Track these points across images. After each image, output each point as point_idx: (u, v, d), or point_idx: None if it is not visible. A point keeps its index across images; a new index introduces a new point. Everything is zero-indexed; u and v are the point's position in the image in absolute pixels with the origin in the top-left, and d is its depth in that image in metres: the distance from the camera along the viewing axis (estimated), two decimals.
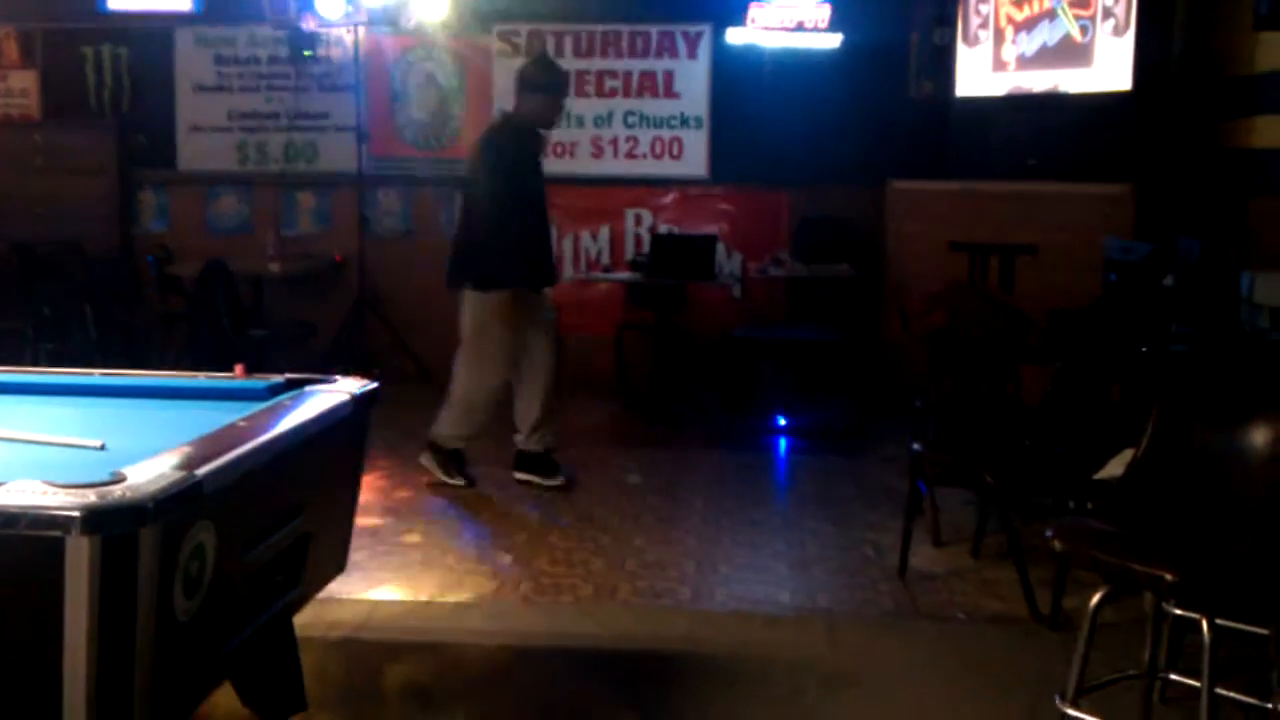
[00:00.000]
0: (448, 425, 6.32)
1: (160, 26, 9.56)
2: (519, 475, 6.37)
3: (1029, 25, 8.34)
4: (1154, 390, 3.74)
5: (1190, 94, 7.94)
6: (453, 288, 6.21)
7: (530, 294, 6.21)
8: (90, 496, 2.31)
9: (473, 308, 6.15)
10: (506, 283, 6.06)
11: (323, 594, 3.61)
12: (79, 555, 2.26)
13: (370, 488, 6.03)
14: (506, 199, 6.03)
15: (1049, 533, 3.44)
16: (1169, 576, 3.08)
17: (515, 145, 6.16)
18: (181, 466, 2.55)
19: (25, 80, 9.84)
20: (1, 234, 9.29)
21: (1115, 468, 4.00)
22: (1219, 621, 3.18)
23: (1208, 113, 7.75)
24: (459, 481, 6.29)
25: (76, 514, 2.25)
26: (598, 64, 9.33)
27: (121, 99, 9.76)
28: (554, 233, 7.36)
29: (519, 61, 9.22)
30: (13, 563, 2.31)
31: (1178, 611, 3.56)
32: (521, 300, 6.13)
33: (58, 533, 2.26)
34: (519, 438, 6.38)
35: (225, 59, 9.60)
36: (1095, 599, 3.32)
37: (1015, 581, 4.71)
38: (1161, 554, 3.21)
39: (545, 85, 6.21)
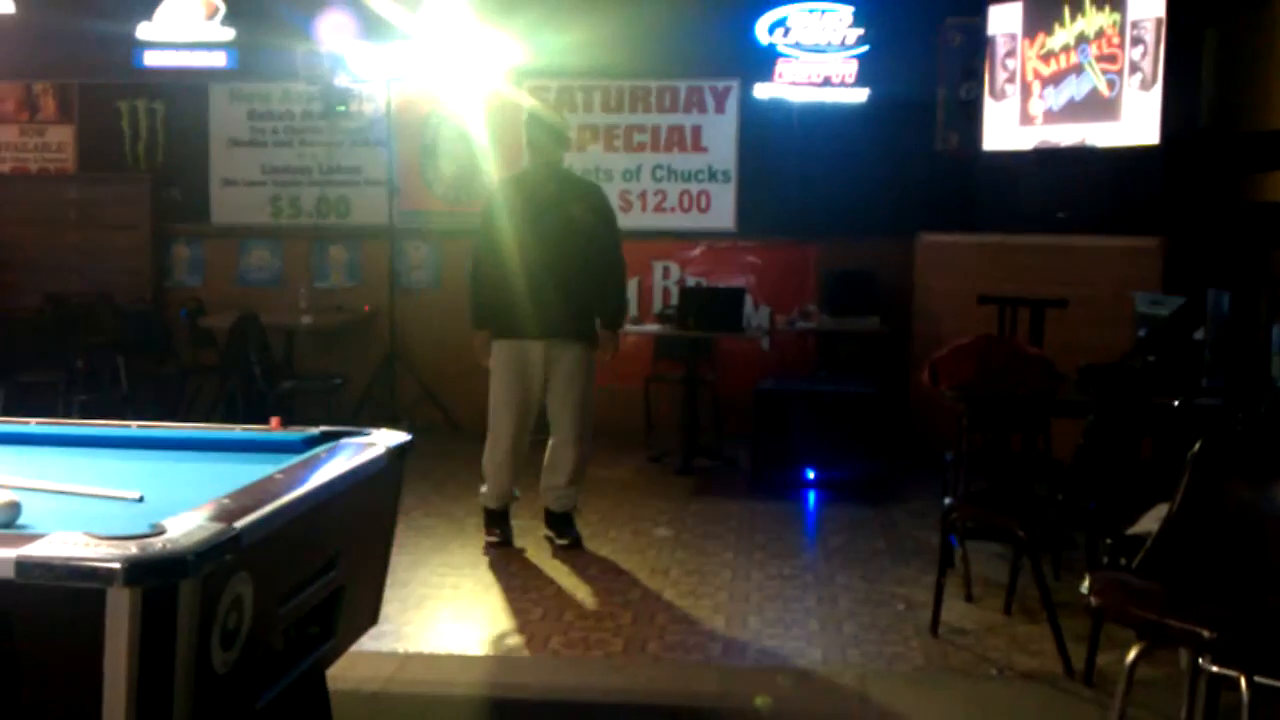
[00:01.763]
0: (486, 484, 6.29)
1: (195, 82, 9.70)
2: (546, 532, 6.37)
3: (1056, 80, 8.38)
4: (1186, 445, 3.72)
5: (1218, 148, 7.95)
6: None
7: (519, 343, 6.10)
8: (131, 549, 2.33)
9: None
10: (492, 329, 6.18)
11: (354, 647, 3.61)
12: (120, 607, 2.28)
13: (400, 539, 6.03)
14: (489, 247, 6.16)
15: (1086, 587, 3.42)
16: (1207, 633, 3.06)
17: (509, 194, 6.25)
18: (219, 519, 2.57)
19: (62, 134, 9.99)
20: (36, 286, 9.41)
21: (1148, 523, 3.98)
22: (1258, 679, 3.15)
23: (1237, 166, 7.75)
24: (493, 538, 6.24)
25: (118, 566, 2.27)
26: (626, 119, 9.42)
27: (156, 153, 9.89)
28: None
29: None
30: (54, 613, 2.32)
31: (1215, 668, 3.53)
32: (510, 348, 6.12)
33: (99, 584, 2.27)
34: (545, 492, 6.33)
35: (259, 114, 9.73)
36: (1132, 655, 3.29)
37: (1048, 637, 4.68)
38: (1199, 610, 3.19)
39: (541, 145, 6.26)
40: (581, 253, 6.15)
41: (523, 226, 6.12)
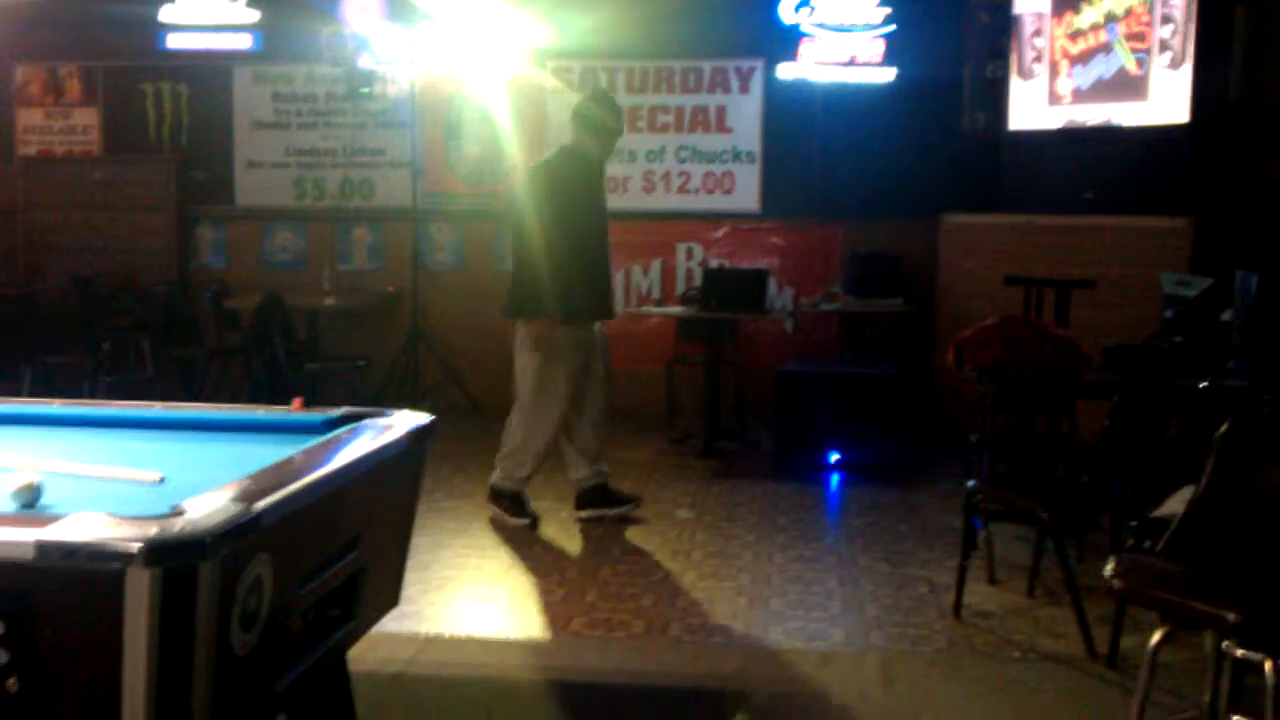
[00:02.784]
0: (508, 467, 6.28)
1: (219, 64, 9.72)
2: (583, 513, 6.36)
3: (1084, 58, 8.31)
4: (1213, 427, 3.69)
5: (1248, 127, 7.86)
6: (508, 316, 6.26)
7: (586, 326, 6.22)
8: (152, 529, 2.33)
9: (527, 339, 6.14)
10: (561, 314, 6.06)
11: (375, 629, 3.62)
12: (139, 587, 2.28)
13: (421, 521, 6.04)
14: (557, 228, 6.01)
15: (1109, 570, 3.40)
16: (1232, 616, 3.04)
17: (567, 175, 6.15)
18: (240, 500, 2.57)
19: (87, 117, 10.03)
20: (62, 268, 9.47)
21: (1174, 505, 3.95)
22: None
23: (1266, 145, 7.67)
24: (524, 520, 6.24)
25: (138, 547, 2.27)
26: (650, 99, 9.39)
27: (181, 135, 9.92)
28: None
29: (573, 98, 9.38)
30: (75, 595, 2.33)
31: (1240, 652, 3.49)
32: (578, 332, 6.14)
33: (119, 565, 2.27)
34: (580, 474, 6.36)
35: (283, 96, 9.75)
36: (1155, 638, 3.27)
37: (1072, 619, 4.66)
38: (1223, 593, 3.16)
39: (600, 120, 6.21)
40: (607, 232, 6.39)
41: (586, 209, 6.18)
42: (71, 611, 2.34)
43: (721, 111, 9.37)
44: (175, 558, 2.31)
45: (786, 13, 8.93)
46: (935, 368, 8.15)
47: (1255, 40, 8.03)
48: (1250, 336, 5.68)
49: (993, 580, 5.37)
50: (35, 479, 2.70)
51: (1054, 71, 8.48)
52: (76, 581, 2.31)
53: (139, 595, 2.28)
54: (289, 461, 3.04)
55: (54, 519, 2.40)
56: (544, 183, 6.14)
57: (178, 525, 2.37)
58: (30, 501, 2.66)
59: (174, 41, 9.50)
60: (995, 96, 8.88)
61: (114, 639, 2.29)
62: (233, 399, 8.27)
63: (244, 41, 9.52)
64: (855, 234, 9.14)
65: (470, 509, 6.55)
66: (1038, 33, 8.59)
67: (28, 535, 2.31)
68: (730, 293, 8.09)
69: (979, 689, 4.29)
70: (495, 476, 6.34)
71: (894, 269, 8.86)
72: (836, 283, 9.06)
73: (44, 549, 2.30)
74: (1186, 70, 7.65)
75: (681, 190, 9.44)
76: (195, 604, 2.36)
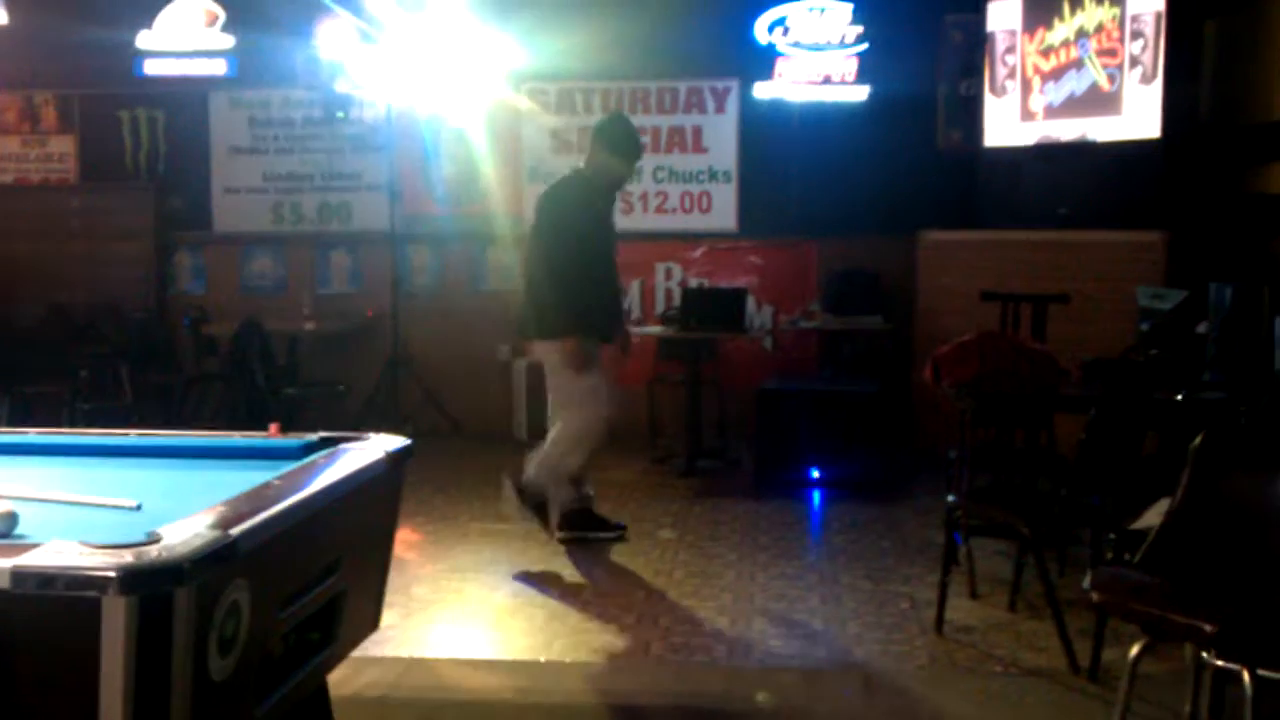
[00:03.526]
0: (554, 466, 6.15)
1: (195, 90, 9.70)
2: (562, 534, 6.24)
3: (1056, 75, 8.37)
4: (1190, 439, 3.71)
5: (1220, 140, 7.93)
6: (523, 336, 6.35)
7: (601, 344, 6.26)
8: (126, 557, 2.32)
9: (549, 357, 6.18)
10: (578, 331, 6.06)
11: (356, 652, 3.61)
12: (115, 615, 2.27)
13: (403, 544, 6.03)
14: (575, 250, 6.07)
15: (1087, 584, 3.41)
16: (1209, 627, 3.05)
17: (584, 198, 6.21)
18: (216, 526, 2.56)
19: (63, 144, 10.01)
20: (39, 296, 9.43)
21: (1152, 518, 3.97)
22: (1261, 672, 3.13)
23: (1238, 159, 7.73)
24: (613, 534, 6.36)
25: (113, 574, 2.26)
26: None
27: (157, 162, 9.90)
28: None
29: (548, 119, 9.42)
30: (50, 623, 2.32)
31: (1219, 663, 3.51)
32: (593, 349, 6.16)
33: (94, 593, 2.26)
34: (564, 495, 6.25)
35: (259, 121, 9.74)
36: (1135, 650, 3.28)
37: (1053, 633, 4.67)
38: (1201, 604, 3.17)
39: (620, 145, 6.24)
40: None
41: (599, 231, 6.27)
42: (47, 639, 2.33)
43: (698, 131, 9.40)
44: (151, 584, 2.30)
45: (761, 33, 8.99)
46: (914, 384, 8.16)
47: (1225, 55, 8.11)
48: (1225, 349, 5.72)
49: (974, 595, 5.38)
50: (9, 507, 2.69)
51: (1027, 88, 8.53)
52: (52, 609, 2.30)
53: (115, 622, 2.27)
54: (266, 487, 3.04)
55: (29, 546, 2.39)
56: (558, 205, 6.20)
57: (154, 552, 2.36)
58: (5, 530, 2.65)
59: (150, 68, 9.49)
60: (969, 113, 8.93)
61: (90, 666, 2.28)
62: (212, 425, 8.25)
63: (220, 67, 9.51)
64: (833, 252, 9.17)
65: (451, 532, 6.54)
66: (1010, 49, 8.65)
67: (2, 563, 2.30)
68: (709, 312, 8.11)
69: (961, 704, 4.30)
70: (558, 502, 6.21)
71: (872, 286, 8.90)
72: (815, 301, 9.09)
73: (19, 577, 2.29)
74: (1158, 85, 7.71)
75: (659, 210, 9.46)
76: (172, 631, 2.35)
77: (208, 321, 9.05)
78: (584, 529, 6.30)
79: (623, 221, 9.31)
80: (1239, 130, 7.77)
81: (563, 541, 6.27)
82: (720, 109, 9.36)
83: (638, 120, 9.29)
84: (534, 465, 6.16)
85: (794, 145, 9.12)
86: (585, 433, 6.15)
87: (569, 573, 5.90)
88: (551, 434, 6.23)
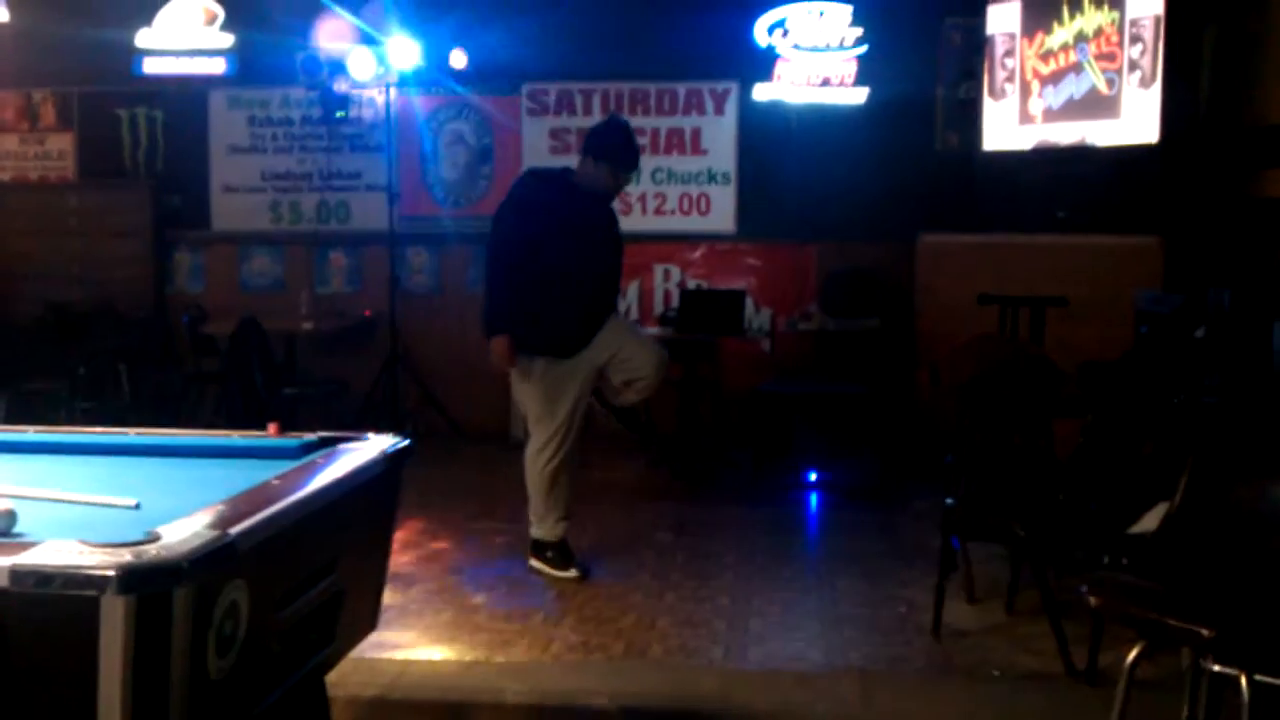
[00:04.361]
0: (537, 514, 5.86)
1: (194, 89, 9.70)
2: (532, 562, 5.90)
3: (1055, 78, 8.37)
4: (1187, 443, 3.71)
5: (1218, 144, 7.93)
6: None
7: (558, 359, 5.73)
8: (125, 556, 2.32)
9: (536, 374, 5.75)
10: (497, 334, 5.65)
11: (354, 652, 3.61)
12: (114, 614, 2.27)
13: (401, 544, 6.03)
14: (505, 248, 5.67)
15: (1084, 588, 3.41)
16: (1206, 632, 3.05)
17: (542, 199, 5.77)
18: (215, 526, 2.57)
19: (62, 142, 10.00)
20: (37, 294, 9.41)
21: (1149, 522, 3.97)
22: (1258, 677, 3.14)
23: (1236, 163, 7.74)
24: (571, 574, 5.76)
25: (112, 573, 2.26)
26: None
27: (156, 160, 9.89)
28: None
29: (547, 120, 9.42)
30: (48, 622, 2.32)
31: (1216, 667, 3.51)
32: (552, 364, 5.71)
33: (93, 592, 2.26)
34: (533, 519, 5.94)
35: (258, 120, 9.74)
36: (1132, 655, 3.29)
37: (1050, 637, 4.66)
38: (1198, 609, 3.18)
39: (609, 153, 5.81)
40: None
41: (558, 237, 5.75)
42: (46, 638, 2.34)
43: (697, 133, 9.40)
44: (149, 584, 2.30)
45: (761, 35, 8.99)
46: (913, 387, 8.17)
47: (1223, 59, 8.11)
48: (1223, 353, 5.73)
49: (971, 599, 5.38)
50: (8, 505, 2.69)
51: (1025, 92, 8.54)
52: (51, 608, 2.30)
53: (114, 621, 2.28)
54: (265, 486, 3.04)
55: (28, 545, 2.40)
56: (510, 198, 5.85)
57: (152, 551, 2.36)
58: (4, 529, 2.65)
59: (149, 66, 9.48)
60: (968, 117, 8.93)
61: (89, 665, 2.28)
62: (210, 424, 8.25)
63: (219, 66, 9.51)
64: (831, 254, 9.17)
65: (450, 533, 6.54)
66: (1009, 53, 8.65)
67: (1, 562, 2.30)
68: (708, 314, 8.11)
69: (958, 708, 4.30)
70: (534, 528, 5.88)
71: (870, 289, 8.90)
72: (813, 303, 9.09)
73: (18, 575, 2.29)
74: (1156, 89, 7.72)
75: (658, 212, 9.46)
76: (170, 630, 2.35)
77: (206, 320, 9.04)
78: (550, 564, 5.83)
79: (621, 223, 9.33)
80: (1237, 134, 7.78)
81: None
82: (719, 111, 9.37)
83: (637, 121, 9.33)
84: (534, 519, 5.86)
85: (793, 147, 9.12)
86: (539, 477, 5.74)
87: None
88: (528, 472, 5.83)
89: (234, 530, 2.56)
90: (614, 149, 5.85)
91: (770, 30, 9.00)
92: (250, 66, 9.50)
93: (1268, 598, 3.31)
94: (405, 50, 8.76)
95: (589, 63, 9.21)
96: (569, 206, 5.79)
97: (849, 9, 8.95)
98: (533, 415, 5.83)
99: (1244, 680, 3.09)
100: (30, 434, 3.93)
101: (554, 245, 5.68)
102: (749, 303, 8.74)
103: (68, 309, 9.17)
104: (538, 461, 5.78)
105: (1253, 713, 3.08)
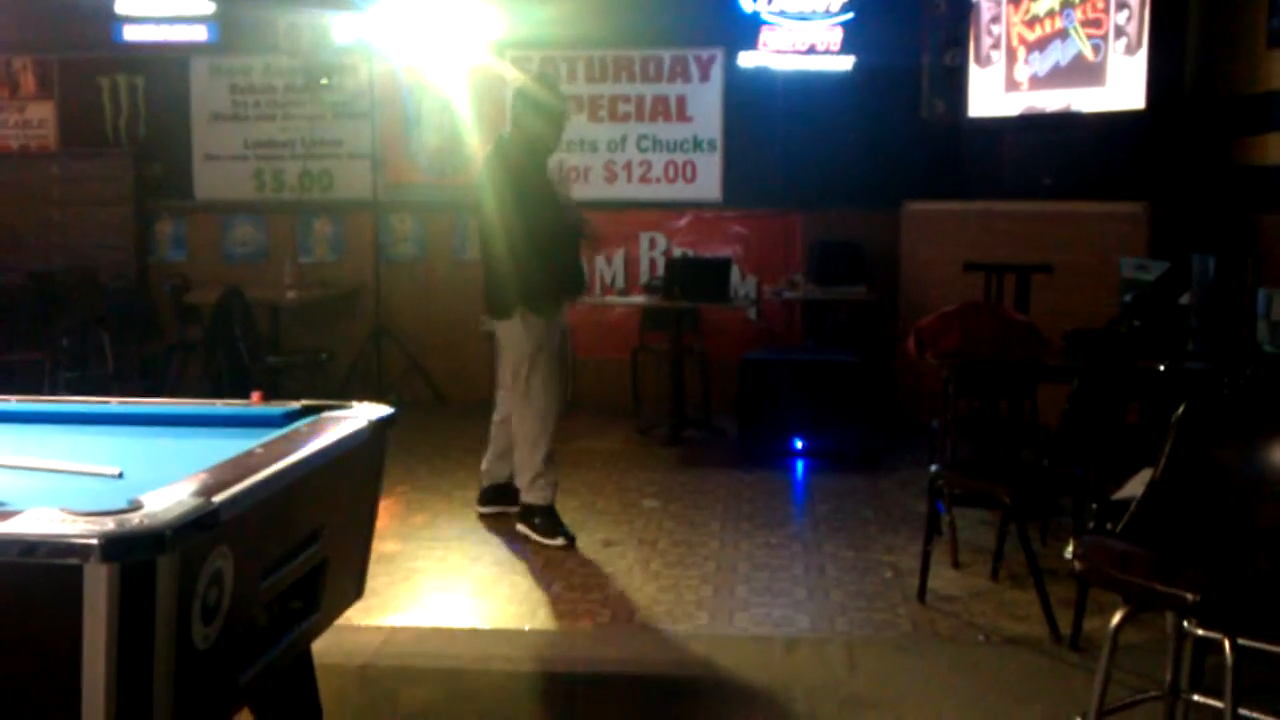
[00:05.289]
0: (527, 479, 5.86)
1: (176, 56, 9.63)
2: (520, 528, 5.93)
3: (1041, 45, 8.35)
4: (1172, 409, 3.72)
5: (1203, 112, 7.93)
6: (493, 316, 5.94)
7: (559, 312, 5.94)
8: (109, 524, 2.31)
9: (512, 336, 5.82)
10: (540, 303, 5.76)
11: (340, 620, 3.60)
12: (97, 583, 2.26)
13: (387, 513, 6.03)
14: (520, 219, 5.71)
15: (1069, 553, 3.42)
16: (1190, 596, 3.06)
17: (518, 162, 5.82)
18: (199, 494, 2.55)
19: (42, 111, 9.92)
20: (19, 264, 9.36)
21: (1134, 487, 3.98)
22: (1241, 642, 3.15)
23: (1221, 130, 7.74)
24: (559, 542, 5.75)
25: (95, 542, 2.25)
26: (611, 89, 9.37)
27: (138, 129, 9.83)
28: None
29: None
30: (31, 591, 2.30)
31: (1200, 632, 3.53)
32: (557, 317, 5.89)
33: (76, 560, 2.25)
34: (500, 471, 6.09)
35: (241, 88, 9.67)
36: (1116, 619, 3.29)
37: (1035, 602, 4.69)
38: (1183, 574, 3.19)
39: (545, 102, 5.89)
40: None
41: (538, 194, 5.85)
42: (29, 607, 2.32)
43: (682, 100, 9.37)
44: (133, 552, 2.29)
45: (746, 1, 8.94)
46: (898, 354, 8.18)
47: (1209, 26, 8.10)
48: (1208, 319, 5.74)
49: (956, 564, 5.40)
50: None
51: (1011, 58, 8.52)
52: (34, 577, 2.29)
53: (97, 590, 2.26)
54: (249, 455, 3.02)
55: (11, 514, 2.38)
56: (500, 174, 5.85)
57: (135, 519, 2.35)
58: None
59: (130, 34, 9.42)
60: (954, 84, 8.91)
61: (73, 634, 2.27)
62: (194, 393, 8.22)
63: (200, 33, 9.45)
64: (817, 222, 9.16)
65: (435, 500, 6.53)
66: (995, 20, 8.63)
67: None
68: (694, 282, 8.09)
69: (943, 672, 4.32)
70: (523, 494, 5.90)
71: (856, 257, 8.90)
72: (799, 271, 9.08)
73: (1, 544, 2.28)
74: (1142, 56, 7.70)
75: (643, 179, 9.43)
76: (155, 598, 2.34)
77: (189, 289, 9.01)
78: (537, 530, 5.85)
79: (606, 190, 9.35)
80: (1223, 101, 7.77)
81: (483, 515, 6.17)
82: (705, 78, 9.33)
83: (621, 88, 9.33)
84: (523, 485, 5.87)
85: (779, 115, 9.10)
86: (542, 431, 5.80)
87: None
88: (516, 441, 5.88)
89: (218, 499, 2.55)
90: (550, 103, 5.97)
91: None
92: (232, 34, 9.45)
93: (1251, 562, 3.32)
94: (388, 17, 8.70)
95: (573, 29, 9.16)
96: (535, 163, 5.97)
97: None
98: (529, 360, 5.78)
99: (1228, 644, 3.10)
100: (12, 403, 3.90)
101: (539, 203, 5.83)
102: (735, 271, 8.73)
103: (49, 279, 9.11)
104: (532, 403, 5.78)
105: (1236, 676, 3.09)
